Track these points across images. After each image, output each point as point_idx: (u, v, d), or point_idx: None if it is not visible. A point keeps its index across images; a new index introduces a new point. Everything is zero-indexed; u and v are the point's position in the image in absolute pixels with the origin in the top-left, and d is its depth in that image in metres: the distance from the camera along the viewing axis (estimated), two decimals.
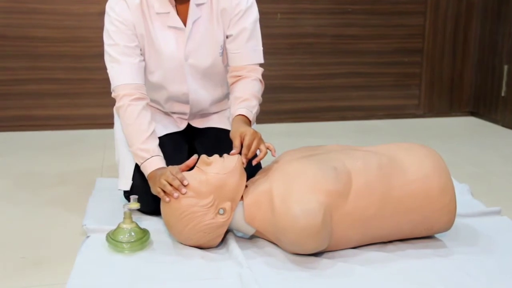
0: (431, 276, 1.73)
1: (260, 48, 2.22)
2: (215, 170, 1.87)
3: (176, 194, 1.84)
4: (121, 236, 1.91)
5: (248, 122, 2.08)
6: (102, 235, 1.98)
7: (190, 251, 1.89)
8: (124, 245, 1.89)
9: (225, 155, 1.93)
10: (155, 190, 1.92)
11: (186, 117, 2.34)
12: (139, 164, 2.05)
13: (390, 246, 1.93)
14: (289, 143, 2.62)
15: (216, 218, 1.85)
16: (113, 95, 2.11)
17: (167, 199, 1.86)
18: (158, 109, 2.35)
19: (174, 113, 2.35)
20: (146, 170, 2.01)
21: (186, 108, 2.30)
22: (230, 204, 1.87)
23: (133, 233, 1.92)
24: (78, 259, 1.84)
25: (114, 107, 2.16)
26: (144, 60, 2.15)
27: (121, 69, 2.08)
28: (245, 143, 1.93)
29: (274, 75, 3.73)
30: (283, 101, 3.85)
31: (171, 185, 1.86)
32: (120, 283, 1.70)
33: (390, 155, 1.95)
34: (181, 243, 1.93)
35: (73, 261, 1.83)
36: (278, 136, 3.47)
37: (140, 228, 1.96)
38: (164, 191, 1.87)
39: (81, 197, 2.41)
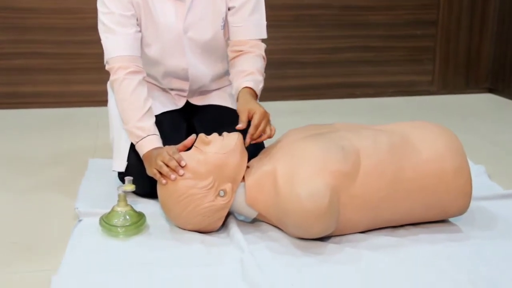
0: (445, 262, 1.74)
1: (264, 22, 2.22)
2: (214, 150, 1.88)
3: (173, 176, 1.84)
4: (115, 220, 1.92)
5: (255, 97, 2.08)
6: (95, 219, 1.98)
7: (189, 235, 1.90)
8: (119, 229, 1.90)
9: (224, 133, 1.93)
10: (151, 171, 1.93)
11: (185, 94, 2.34)
12: (134, 143, 2.06)
13: (401, 231, 1.94)
14: (294, 122, 2.61)
15: (216, 200, 1.86)
16: (107, 67, 2.11)
17: (164, 181, 1.86)
18: (155, 85, 2.35)
19: (172, 89, 2.35)
20: (142, 149, 2.01)
21: (185, 85, 2.30)
22: (231, 186, 1.87)
23: (128, 217, 1.93)
24: (70, 244, 1.85)
25: (108, 81, 2.16)
26: (140, 31, 2.14)
27: (116, 39, 2.07)
28: (254, 122, 1.93)
29: (277, 49, 3.71)
30: (287, 77, 3.85)
31: (167, 166, 1.86)
32: (114, 269, 1.71)
33: (401, 134, 1.95)
34: (179, 228, 1.94)
35: (64, 246, 1.84)
36: (282, 115, 3.46)
37: (136, 212, 1.96)
38: (160, 173, 1.87)
39: (73, 179, 2.42)
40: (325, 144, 1.86)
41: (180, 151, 1.92)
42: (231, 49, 2.22)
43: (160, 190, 1.90)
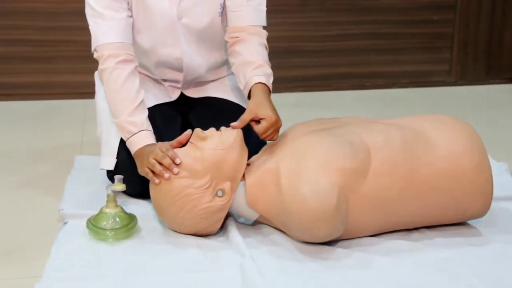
0: (464, 268, 1.74)
1: (263, 8, 2.21)
2: (212, 146, 1.87)
3: (167, 175, 1.84)
4: (104, 222, 1.92)
5: (269, 93, 2.06)
6: (82, 221, 1.98)
7: (184, 239, 1.90)
8: (108, 232, 1.91)
9: (222, 128, 1.93)
10: (142, 170, 1.93)
11: (179, 85, 2.34)
12: (124, 139, 2.06)
13: (415, 234, 1.94)
14: (299, 116, 2.61)
15: (214, 201, 1.86)
16: (95, 55, 2.11)
17: (157, 180, 1.86)
18: (146, 75, 2.35)
19: (165, 80, 2.35)
20: (133, 146, 2.01)
21: (179, 76, 2.30)
22: (230, 185, 1.87)
23: (117, 219, 1.93)
24: (55, 249, 1.86)
25: (97, 70, 2.15)
26: (131, 16, 2.14)
27: (105, 25, 2.07)
28: (259, 130, 1.93)
29: (281, 36, 3.71)
30: (292, 66, 3.85)
31: (161, 164, 1.86)
32: (103, 276, 1.71)
33: (415, 129, 1.95)
34: (174, 231, 1.94)
35: (49, 251, 1.84)
36: (286, 108, 3.43)
37: (126, 213, 1.97)
38: (153, 172, 1.87)
39: (58, 178, 2.42)
40: (332, 140, 1.86)
41: (174, 147, 1.92)
42: (229, 35, 2.21)
43: (153, 190, 1.90)
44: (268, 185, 1.86)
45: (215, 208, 1.86)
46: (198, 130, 1.91)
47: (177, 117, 2.31)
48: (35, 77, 3.59)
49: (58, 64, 3.59)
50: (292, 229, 1.83)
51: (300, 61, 3.86)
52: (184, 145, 1.94)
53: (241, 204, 1.91)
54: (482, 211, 1.95)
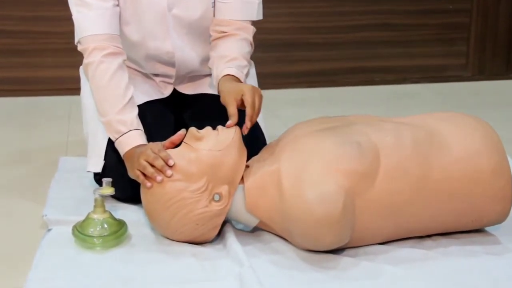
0: (480, 279, 1.74)
1: (256, 1, 2.22)
2: (208, 146, 1.88)
3: (159, 178, 1.85)
4: (91, 229, 1.92)
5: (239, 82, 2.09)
6: (68, 228, 1.98)
7: (178, 247, 1.91)
8: (95, 240, 1.91)
9: (219, 127, 1.94)
10: (133, 173, 1.93)
11: (172, 80, 2.35)
12: (113, 139, 2.06)
13: (428, 242, 1.94)
14: (302, 114, 2.62)
15: (211, 205, 1.87)
16: (79, 48, 2.11)
17: (149, 184, 1.87)
18: (135, 69, 2.36)
19: (156, 75, 2.36)
20: (122, 147, 2.02)
21: (171, 71, 2.31)
22: (228, 188, 1.88)
23: (106, 225, 1.94)
24: (37, 258, 1.85)
25: (82, 65, 2.16)
26: (118, 5, 2.15)
27: (90, 15, 2.08)
28: (248, 101, 1.93)
29: (283, 28, 3.73)
30: (295, 61, 3.87)
31: (153, 166, 1.86)
32: (91, 287, 1.71)
33: (428, 128, 1.96)
34: (167, 238, 1.94)
35: (31, 260, 1.84)
36: (287, 105, 3.49)
37: (115, 219, 1.98)
38: (144, 174, 1.88)
39: (41, 181, 2.43)
40: (338, 140, 1.87)
41: (167, 148, 1.92)
42: (213, 28, 2.23)
43: (144, 194, 1.91)
44: (268, 189, 1.87)
45: (211, 213, 1.87)
46: (193, 130, 1.92)
47: (170, 116, 2.32)
48: (15, 71, 3.60)
49: (40, 57, 3.60)
50: (294, 236, 1.83)
51: (303, 55, 3.87)
52: (178, 145, 1.94)
53: (239, 209, 1.91)
54: (501, 217, 1.95)
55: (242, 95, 1.95)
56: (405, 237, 1.93)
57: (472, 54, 4.05)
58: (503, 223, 2.01)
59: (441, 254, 1.86)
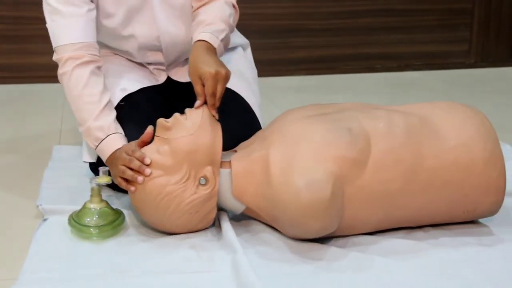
0: (472, 271, 1.73)
1: None
2: (179, 134, 1.88)
3: (140, 178, 1.85)
4: (88, 219, 1.94)
5: (213, 51, 2.05)
6: (63, 218, 1.99)
7: (176, 238, 1.92)
8: (92, 229, 1.92)
9: (187, 110, 1.94)
10: (116, 180, 1.94)
11: (164, 67, 2.36)
12: (93, 147, 2.08)
13: (419, 233, 1.94)
14: (302, 101, 2.56)
15: (199, 191, 1.87)
16: (54, 57, 2.12)
17: (132, 188, 1.88)
18: (128, 59, 2.37)
19: (149, 64, 2.38)
20: (103, 154, 2.03)
21: (161, 57, 2.32)
22: (211, 169, 1.89)
23: (102, 215, 1.95)
24: (33, 248, 1.87)
25: (58, 73, 2.15)
26: (96, 6, 2.16)
27: (64, 23, 2.08)
28: (207, 91, 1.92)
29: (282, 13, 3.72)
30: (294, 47, 3.88)
31: (131, 169, 1.88)
32: (86, 278, 1.72)
33: (421, 116, 1.96)
34: (169, 233, 1.95)
35: (26, 251, 1.86)
36: (287, 92, 3.50)
37: (112, 209, 1.99)
38: (127, 179, 1.90)
39: (34, 170, 2.46)
40: (329, 126, 1.87)
41: (141, 147, 1.93)
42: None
43: (132, 199, 1.93)
44: (256, 175, 1.88)
45: (202, 198, 1.88)
46: (161, 120, 1.91)
47: (165, 103, 2.31)
48: (7, 58, 3.62)
49: (33, 43, 3.61)
50: (282, 223, 1.85)
51: (303, 41, 3.88)
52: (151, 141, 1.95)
53: (226, 195, 1.92)
54: (493, 209, 1.95)
55: (204, 79, 1.92)
56: (396, 227, 1.94)
57: (475, 40, 4.05)
58: (497, 215, 2.01)
59: (432, 245, 1.86)
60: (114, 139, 2.02)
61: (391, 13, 3.94)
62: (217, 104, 1.94)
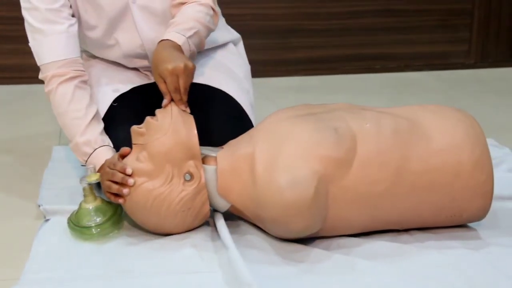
0: (456, 275, 1.73)
1: None
2: (154, 136, 1.90)
3: (125, 190, 1.88)
4: (87, 220, 1.96)
5: (178, 48, 2.04)
6: (65, 218, 2.02)
7: (177, 237, 1.94)
8: (93, 230, 1.95)
9: (157, 111, 1.96)
10: (106, 195, 1.97)
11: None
12: (83, 163, 2.11)
13: (405, 236, 1.94)
14: (301, 102, 2.55)
15: (186, 187, 1.89)
16: (40, 76, 2.15)
17: (121, 200, 1.91)
18: (118, 64, 2.39)
19: (137, 68, 2.40)
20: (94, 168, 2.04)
21: (148, 63, 2.34)
22: (193, 163, 1.91)
23: (100, 212, 1.97)
24: (34, 248, 1.89)
25: (44, 92, 2.17)
26: (77, 20, 2.18)
27: (46, 41, 2.10)
28: (170, 88, 1.93)
29: (281, 14, 3.72)
30: (293, 47, 3.88)
31: (116, 182, 1.90)
32: (87, 279, 1.74)
33: (410, 118, 1.96)
34: (169, 235, 1.97)
35: (27, 251, 1.88)
36: (286, 93, 3.49)
37: (108, 203, 2.01)
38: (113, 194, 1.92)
39: (34, 170, 2.48)
40: (315, 125, 1.88)
41: (123, 158, 1.95)
42: (172, 3, 2.22)
43: (126, 211, 1.96)
44: (242, 173, 1.89)
45: (190, 194, 1.90)
46: (134, 128, 1.93)
47: (158, 101, 2.25)
48: (5, 58, 3.63)
49: None
50: (265, 222, 1.86)
51: (303, 41, 3.89)
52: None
53: (211, 192, 1.94)
54: (481, 213, 1.96)
55: (164, 77, 1.92)
56: (382, 229, 1.95)
57: (475, 41, 4.03)
58: (486, 219, 1.99)
59: (417, 248, 1.86)
60: (101, 153, 2.06)
61: (391, 13, 3.94)
62: (184, 98, 1.94)
